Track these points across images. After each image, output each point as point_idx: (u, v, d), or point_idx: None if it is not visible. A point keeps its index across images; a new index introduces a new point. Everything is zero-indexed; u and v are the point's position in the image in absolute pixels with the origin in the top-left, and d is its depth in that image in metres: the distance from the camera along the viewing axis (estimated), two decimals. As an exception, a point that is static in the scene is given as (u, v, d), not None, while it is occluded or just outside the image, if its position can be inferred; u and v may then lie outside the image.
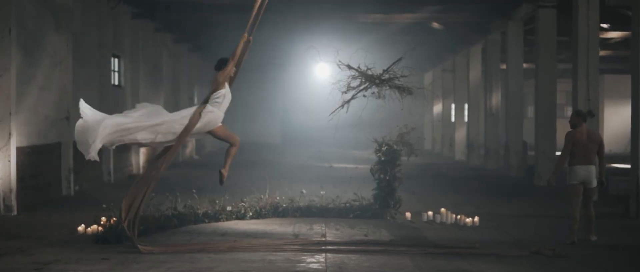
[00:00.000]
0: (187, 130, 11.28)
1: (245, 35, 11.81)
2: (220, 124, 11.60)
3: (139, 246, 10.82)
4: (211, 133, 11.64)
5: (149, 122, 11.23)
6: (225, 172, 11.61)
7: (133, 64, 24.49)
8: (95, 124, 10.87)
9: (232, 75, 11.75)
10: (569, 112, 37.26)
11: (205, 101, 11.62)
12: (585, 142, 11.97)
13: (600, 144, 12.07)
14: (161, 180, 21.66)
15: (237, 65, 11.77)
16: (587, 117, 12.17)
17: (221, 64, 11.56)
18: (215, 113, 11.45)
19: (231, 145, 11.75)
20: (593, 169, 12.00)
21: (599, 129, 16.25)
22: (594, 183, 12.04)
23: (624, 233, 13.18)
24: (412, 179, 18.88)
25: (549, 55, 21.36)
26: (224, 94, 11.51)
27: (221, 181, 11.71)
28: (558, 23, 21.27)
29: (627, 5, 20.64)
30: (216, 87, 11.52)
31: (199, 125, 11.34)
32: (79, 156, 18.56)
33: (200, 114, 11.35)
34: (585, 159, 11.95)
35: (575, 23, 18.32)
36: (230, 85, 11.74)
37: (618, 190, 17.22)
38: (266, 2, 11.96)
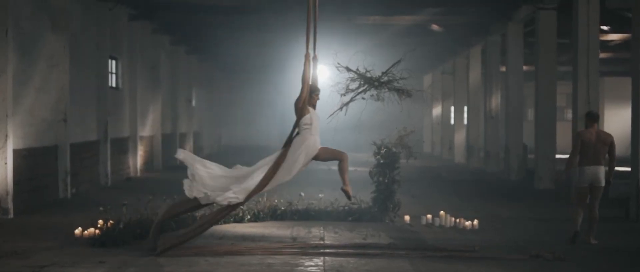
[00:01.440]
0: (278, 163, 11.13)
1: (308, 52, 11.44)
2: (319, 147, 11.30)
3: (159, 249, 10.82)
4: (316, 158, 11.36)
5: (241, 172, 11.20)
6: (348, 188, 11.30)
7: (131, 66, 24.40)
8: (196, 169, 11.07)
9: (313, 101, 11.46)
10: (569, 114, 37.28)
11: (291, 138, 11.38)
12: (594, 143, 12.08)
13: (610, 145, 12.18)
14: (158, 183, 21.80)
15: (312, 86, 11.44)
16: (598, 117, 12.43)
17: None
18: (310, 139, 11.18)
19: (341, 161, 11.44)
20: (601, 169, 12.09)
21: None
22: (602, 183, 12.11)
23: (624, 236, 13.12)
24: (411, 181, 18.83)
25: (549, 58, 21.28)
26: (311, 118, 11.23)
27: (349, 198, 11.52)
28: (558, 25, 21.19)
29: (627, 8, 20.57)
30: (299, 114, 11.26)
31: (301, 158, 11.09)
32: (75, 158, 18.64)
33: (287, 150, 11.18)
34: (593, 160, 12.06)
35: (576, 25, 18.24)
36: (314, 105, 11.47)
37: (618, 193, 17.13)
38: (317, 13, 11.74)
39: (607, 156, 12.25)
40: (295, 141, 11.21)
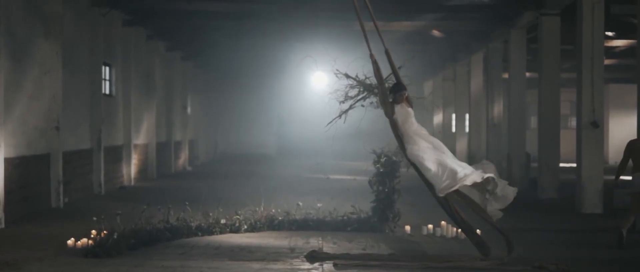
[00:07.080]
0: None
1: (371, 53, 11.55)
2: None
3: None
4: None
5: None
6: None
7: (125, 73, 24.16)
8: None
9: (400, 100, 11.22)
10: (573, 122, 37.06)
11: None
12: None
13: None
14: (152, 192, 21.57)
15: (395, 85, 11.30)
16: None
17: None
18: (411, 148, 11.15)
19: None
20: None
21: (604, 140, 16.03)
22: None
23: (630, 247, 12.81)
24: (412, 191, 18.48)
25: (553, 64, 20.98)
26: (397, 119, 11.18)
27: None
28: (562, 31, 20.91)
29: (632, 14, 20.32)
30: (387, 115, 11.26)
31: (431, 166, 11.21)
32: (68, 166, 18.36)
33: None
34: None
35: (580, 31, 17.91)
36: (404, 103, 11.29)
37: (624, 203, 16.81)
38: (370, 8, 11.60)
39: None
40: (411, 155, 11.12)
